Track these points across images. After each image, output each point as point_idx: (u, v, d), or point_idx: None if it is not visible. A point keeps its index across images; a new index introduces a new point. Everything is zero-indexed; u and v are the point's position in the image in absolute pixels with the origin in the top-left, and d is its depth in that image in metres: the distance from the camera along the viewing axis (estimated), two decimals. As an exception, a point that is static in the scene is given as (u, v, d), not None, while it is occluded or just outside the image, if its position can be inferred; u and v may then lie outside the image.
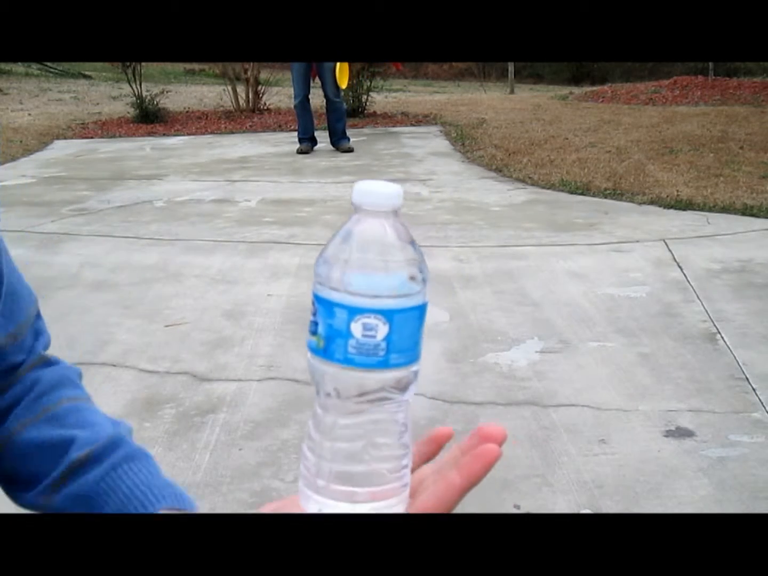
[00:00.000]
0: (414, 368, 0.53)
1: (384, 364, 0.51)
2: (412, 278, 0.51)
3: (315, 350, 0.52)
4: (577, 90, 13.42)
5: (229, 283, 4.17)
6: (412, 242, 0.52)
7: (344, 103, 8.64)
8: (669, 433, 2.67)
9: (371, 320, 0.50)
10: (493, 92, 14.59)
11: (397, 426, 0.54)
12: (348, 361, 0.51)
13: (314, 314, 0.52)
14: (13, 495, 0.82)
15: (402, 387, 0.53)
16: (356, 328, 0.50)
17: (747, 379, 3.01)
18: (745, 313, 3.63)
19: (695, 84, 11.57)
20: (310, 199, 6.09)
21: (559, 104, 11.17)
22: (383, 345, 0.51)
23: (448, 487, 0.53)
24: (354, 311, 0.50)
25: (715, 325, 3.49)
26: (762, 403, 2.84)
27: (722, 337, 3.37)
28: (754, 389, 2.93)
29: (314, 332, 0.52)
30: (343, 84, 8.12)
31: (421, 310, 0.52)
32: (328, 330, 0.51)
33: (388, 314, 0.50)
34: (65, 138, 9.58)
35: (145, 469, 0.78)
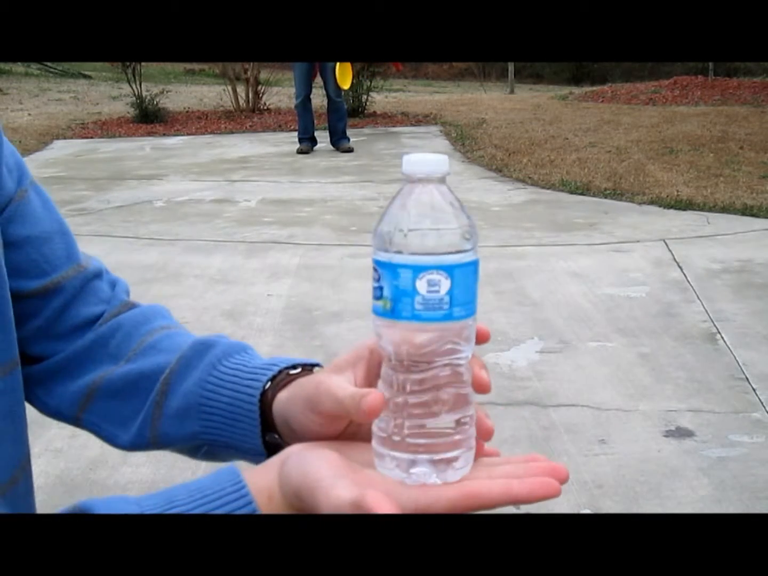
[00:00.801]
0: (474, 320, 0.58)
1: (449, 317, 0.55)
2: (465, 236, 0.56)
3: (382, 313, 0.56)
4: (577, 90, 13.42)
5: (228, 283, 4.17)
6: (462, 205, 0.57)
7: (345, 103, 8.64)
8: (669, 433, 2.67)
9: (435, 276, 0.55)
10: (493, 92, 14.60)
11: (462, 378, 0.58)
12: (416, 317, 0.55)
13: (377, 280, 0.56)
14: (118, 439, 0.77)
15: (465, 338, 0.58)
16: (421, 285, 0.55)
17: (747, 379, 3.01)
18: (745, 313, 3.63)
19: (695, 84, 11.57)
20: (310, 199, 6.09)
21: (559, 104, 11.17)
22: (447, 299, 0.55)
23: (506, 489, 0.54)
24: (418, 269, 0.54)
25: (715, 325, 3.49)
26: (762, 403, 2.84)
27: (722, 337, 3.37)
28: (754, 389, 2.93)
29: (379, 297, 0.56)
30: (346, 85, 8.11)
31: (475, 265, 0.57)
32: (394, 291, 0.55)
33: (449, 269, 0.55)
34: (65, 138, 9.57)
35: (247, 357, 0.73)
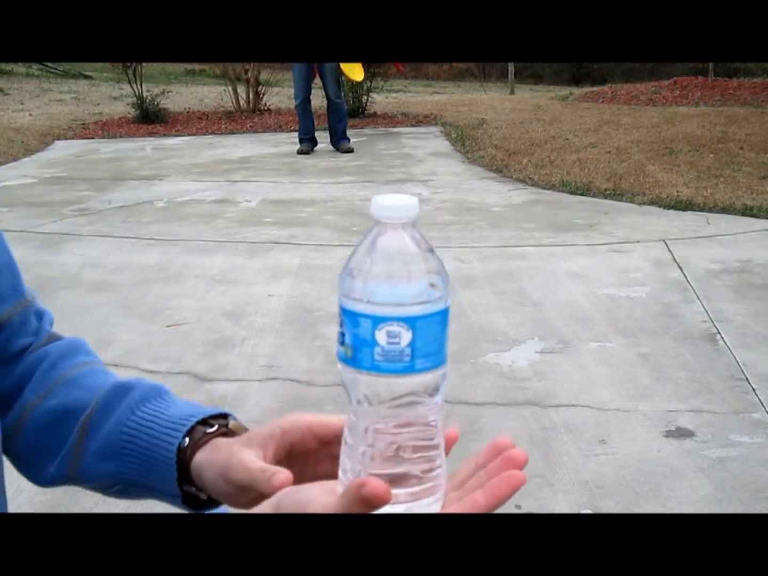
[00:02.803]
0: (441, 371, 0.55)
1: (410, 369, 0.53)
2: (432, 285, 0.54)
3: (344, 359, 0.55)
4: (577, 90, 13.42)
5: (229, 283, 4.17)
6: (431, 250, 0.55)
7: (345, 104, 8.63)
8: (669, 433, 2.67)
9: (394, 328, 0.53)
10: (493, 93, 14.59)
11: (429, 428, 0.56)
12: (375, 368, 0.53)
13: (341, 325, 0.55)
14: (37, 474, 0.80)
15: (431, 391, 0.55)
16: (381, 336, 0.53)
17: (747, 379, 3.01)
18: (745, 313, 3.63)
19: (695, 84, 11.57)
20: (311, 200, 6.09)
21: (560, 105, 11.17)
22: (408, 351, 0.53)
23: (473, 506, 0.54)
24: (377, 320, 0.53)
25: (715, 326, 3.49)
26: (762, 403, 2.84)
27: (722, 338, 3.37)
28: (754, 389, 2.93)
29: (342, 342, 0.55)
30: (359, 77, 8.09)
31: (443, 314, 0.54)
32: (354, 339, 0.54)
33: (410, 321, 0.53)
34: (66, 138, 9.58)
35: (164, 403, 0.75)
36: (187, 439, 0.72)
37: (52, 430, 0.78)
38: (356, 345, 0.54)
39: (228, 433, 0.73)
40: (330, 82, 7.95)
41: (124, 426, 0.74)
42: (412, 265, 0.53)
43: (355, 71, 7.96)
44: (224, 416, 0.75)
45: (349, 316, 0.54)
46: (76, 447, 0.76)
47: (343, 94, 8.46)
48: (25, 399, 0.80)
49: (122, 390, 0.77)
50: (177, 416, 0.74)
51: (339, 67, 7.98)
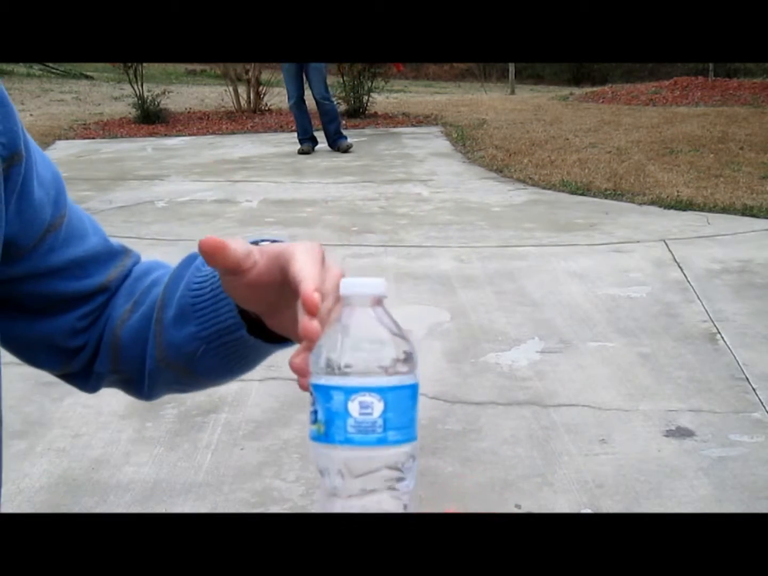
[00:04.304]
0: (412, 446, 0.56)
1: (383, 441, 0.54)
2: (401, 359, 0.55)
3: (316, 437, 0.55)
4: (577, 90, 13.42)
5: (230, 283, 4.17)
6: (400, 328, 0.56)
7: (335, 103, 8.48)
8: (669, 433, 2.67)
9: (367, 398, 0.54)
10: (493, 93, 14.59)
11: (403, 507, 0.56)
12: (349, 440, 0.54)
13: (313, 404, 0.56)
14: (142, 389, 0.83)
15: (403, 465, 0.55)
16: (353, 407, 0.54)
17: (747, 379, 3.01)
18: (745, 313, 3.63)
19: (695, 85, 11.57)
20: (312, 200, 6.09)
21: (560, 105, 11.17)
22: (380, 422, 0.54)
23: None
24: (350, 391, 0.54)
25: (715, 325, 3.50)
26: (762, 403, 2.84)
27: (722, 337, 3.37)
28: (754, 389, 2.93)
29: (314, 421, 0.56)
30: None
31: (413, 389, 0.56)
32: (327, 414, 0.55)
33: (381, 391, 0.54)
34: (67, 138, 9.58)
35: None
36: None
37: (145, 334, 0.80)
38: (329, 419, 0.54)
39: None
40: (315, 82, 7.86)
41: (192, 284, 0.77)
42: (381, 339, 0.55)
43: None
44: (272, 241, 0.75)
45: (321, 392, 0.55)
46: (156, 325, 0.78)
47: (330, 95, 8.31)
48: (113, 324, 0.82)
49: (188, 260, 0.80)
50: None
51: (325, 67, 7.92)
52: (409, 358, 0.55)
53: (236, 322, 0.75)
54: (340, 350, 0.55)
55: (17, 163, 0.73)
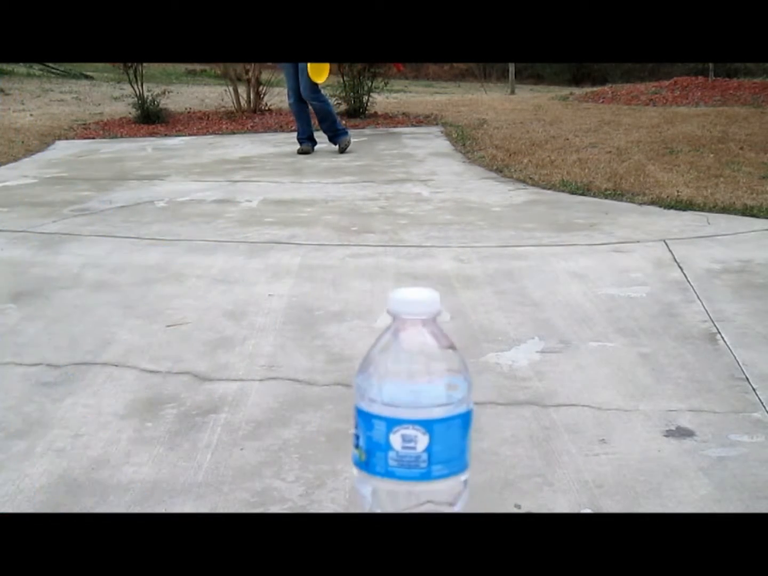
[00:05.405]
0: (462, 478, 0.51)
1: (426, 476, 0.49)
2: (453, 386, 0.50)
3: (358, 463, 0.52)
4: (577, 90, 13.42)
5: (230, 283, 4.17)
6: (452, 348, 0.51)
7: (326, 101, 8.32)
8: (669, 433, 2.67)
9: (410, 431, 0.49)
10: (493, 93, 14.58)
11: None
12: (389, 474, 0.50)
13: (356, 426, 0.52)
14: None
15: (450, 499, 0.50)
16: (395, 440, 0.49)
17: (747, 379, 3.01)
18: (745, 313, 3.63)
19: (695, 85, 11.57)
20: (312, 200, 6.09)
21: (560, 105, 11.17)
22: (424, 456, 0.49)
23: None
24: (392, 423, 0.49)
25: (715, 325, 3.50)
26: (762, 403, 2.84)
27: (722, 337, 3.37)
28: (754, 389, 2.93)
29: (356, 445, 0.52)
30: (320, 79, 7.70)
31: (464, 418, 0.51)
32: (368, 442, 0.51)
33: (427, 425, 0.49)
34: (67, 138, 9.58)
35: None
36: None
37: None
38: (370, 449, 0.50)
39: None
40: (303, 81, 7.83)
41: None
42: (431, 365, 0.50)
43: (319, 72, 7.65)
44: None
45: (363, 418, 0.51)
46: None
47: (320, 95, 8.09)
48: None
49: None
50: None
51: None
52: (461, 384, 0.50)
53: None
54: (385, 376, 0.50)
55: None
